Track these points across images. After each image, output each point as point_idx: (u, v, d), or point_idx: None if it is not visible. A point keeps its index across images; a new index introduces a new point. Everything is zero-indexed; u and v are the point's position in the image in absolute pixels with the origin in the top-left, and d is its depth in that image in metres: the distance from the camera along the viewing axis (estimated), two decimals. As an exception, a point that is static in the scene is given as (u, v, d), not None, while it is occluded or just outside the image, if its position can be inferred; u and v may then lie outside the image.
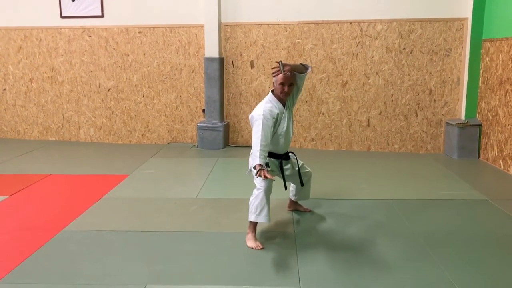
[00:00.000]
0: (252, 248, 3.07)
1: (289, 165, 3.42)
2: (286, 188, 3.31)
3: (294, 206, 3.80)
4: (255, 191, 3.13)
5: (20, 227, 3.53)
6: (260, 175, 2.82)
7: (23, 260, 2.96)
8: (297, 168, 3.43)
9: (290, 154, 3.42)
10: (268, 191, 3.10)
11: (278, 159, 3.31)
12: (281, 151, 3.31)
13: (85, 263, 2.92)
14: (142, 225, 3.55)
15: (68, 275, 2.78)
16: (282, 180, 3.33)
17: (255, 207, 3.09)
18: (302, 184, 3.48)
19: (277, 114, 3.13)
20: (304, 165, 3.55)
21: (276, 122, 3.15)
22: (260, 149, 2.96)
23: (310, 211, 3.78)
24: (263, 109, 3.08)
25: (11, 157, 5.76)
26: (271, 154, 3.22)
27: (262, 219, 3.09)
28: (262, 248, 3.06)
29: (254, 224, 3.16)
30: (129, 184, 4.64)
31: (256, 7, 6.06)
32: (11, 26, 6.60)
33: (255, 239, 3.13)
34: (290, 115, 3.28)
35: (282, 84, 3.13)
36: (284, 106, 3.22)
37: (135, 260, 2.97)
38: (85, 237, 3.33)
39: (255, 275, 2.77)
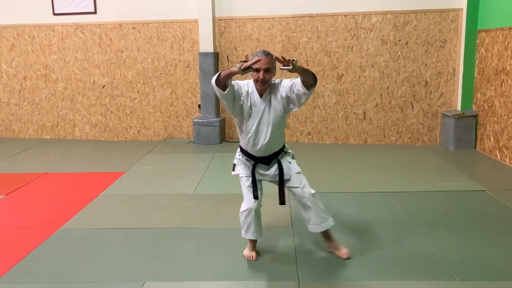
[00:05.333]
0: (245, 257, 2.91)
1: (267, 172, 2.86)
2: (257, 198, 2.80)
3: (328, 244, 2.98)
4: (243, 206, 2.84)
5: (17, 226, 3.51)
6: (244, 66, 2.46)
7: (20, 260, 2.94)
8: (277, 179, 2.82)
9: (282, 162, 2.83)
10: (255, 211, 2.80)
11: (252, 160, 2.84)
12: (255, 153, 2.83)
13: (83, 261, 2.91)
14: (140, 222, 3.54)
15: (66, 274, 2.77)
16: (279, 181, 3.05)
17: (242, 223, 2.87)
18: (280, 202, 2.88)
19: (247, 92, 2.74)
20: (305, 185, 2.89)
21: (244, 98, 2.74)
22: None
23: (347, 258, 2.87)
24: None
25: (6, 156, 5.73)
26: (245, 152, 2.89)
27: (250, 236, 2.87)
28: (255, 260, 2.88)
29: None
30: (126, 181, 4.62)
31: (250, 1, 6.02)
32: (4, 24, 6.53)
33: (252, 249, 2.93)
34: (266, 115, 2.74)
35: (257, 70, 2.63)
36: (261, 97, 2.73)
37: (133, 257, 2.96)
38: (83, 235, 3.32)
39: (254, 270, 2.77)
